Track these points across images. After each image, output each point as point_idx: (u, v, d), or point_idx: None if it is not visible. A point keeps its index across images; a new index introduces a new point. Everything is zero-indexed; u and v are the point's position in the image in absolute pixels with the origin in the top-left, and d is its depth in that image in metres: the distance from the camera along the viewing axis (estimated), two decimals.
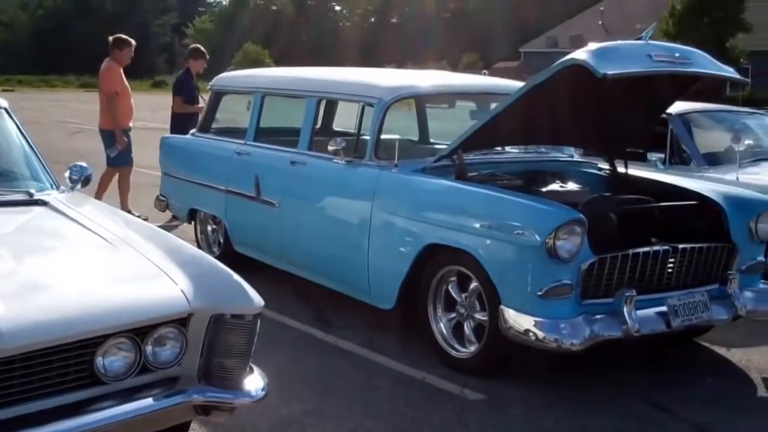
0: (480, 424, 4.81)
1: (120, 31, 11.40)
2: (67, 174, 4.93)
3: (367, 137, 6.25)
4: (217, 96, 8.27)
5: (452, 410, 4.97)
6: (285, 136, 7.27)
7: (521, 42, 65.80)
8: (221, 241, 7.75)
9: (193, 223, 8.22)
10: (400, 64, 59.06)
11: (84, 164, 5.01)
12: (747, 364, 5.86)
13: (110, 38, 10.48)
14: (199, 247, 7.91)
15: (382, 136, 6.22)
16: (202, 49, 11.29)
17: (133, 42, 10.58)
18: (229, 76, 8.72)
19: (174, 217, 9.26)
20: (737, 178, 7.24)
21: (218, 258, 7.00)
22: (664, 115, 7.53)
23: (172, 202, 8.55)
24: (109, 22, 70.93)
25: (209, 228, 8.05)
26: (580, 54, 5.05)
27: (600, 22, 56.99)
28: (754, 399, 5.41)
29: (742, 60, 35.43)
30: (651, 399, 5.20)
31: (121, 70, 10.33)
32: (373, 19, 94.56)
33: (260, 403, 3.82)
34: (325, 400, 5.05)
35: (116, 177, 10.34)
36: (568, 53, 5.13)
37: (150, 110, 22.59)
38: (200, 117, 8.73)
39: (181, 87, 10.81)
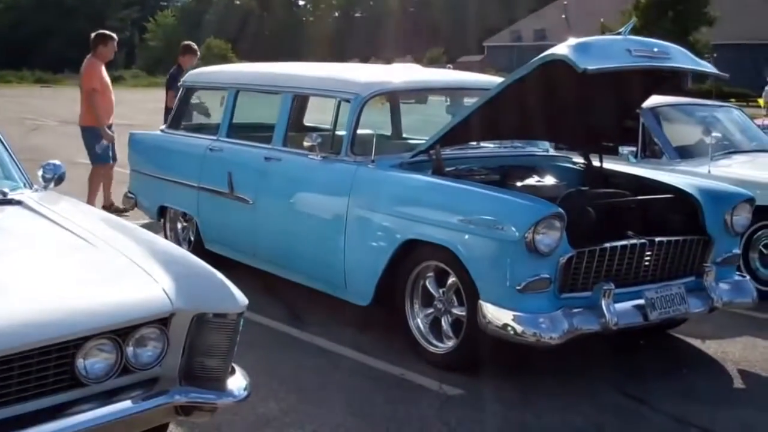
0: (460, 420, 4.79)
1: (78, 25, 11.42)
2: (40, 173, 4.84)
3: (343, 133, 6.20)
4: (188, 92, 8.19)
5: (431, 407, 4.95)
6: (258, 132, 7.21)
7: (485, 36, 66.14)
8: (191, 238, 7.67)
9: (162, 220, 8.13)
10: (364, 58, 59.04)
11: (57, 162, 4.92)
12: (722, 356, 5.90)
13: (92, 34, 10.41)
14: None
15: (358, 132, 6.18)
16: (193, 45, 11.37)
17: (116, 37, 10.55)
18: (202, 72, 8.64)
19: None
20: (709, 171, 7.28)
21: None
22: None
23: (140, 200, 8.45)
24: (65, 16, 70.30)
25: (179, 225, 7.96)
26: (561, 49, 5.05)
27: (563, 16, 57.27)
28: (730, 390, 5.44)
29: (706, 54, 35.69)
30: (629, 391, 5.23)
31: (103, 67, 10.27)
32: (337, 14, 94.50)
33: (236, 402, 3.78)
34: (302, 399, 5.01)
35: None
36: (532, 47, 5.14)
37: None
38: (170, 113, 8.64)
39: (173, 82, 10.70)
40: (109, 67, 10.97)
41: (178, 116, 8.18)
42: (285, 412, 4.81)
